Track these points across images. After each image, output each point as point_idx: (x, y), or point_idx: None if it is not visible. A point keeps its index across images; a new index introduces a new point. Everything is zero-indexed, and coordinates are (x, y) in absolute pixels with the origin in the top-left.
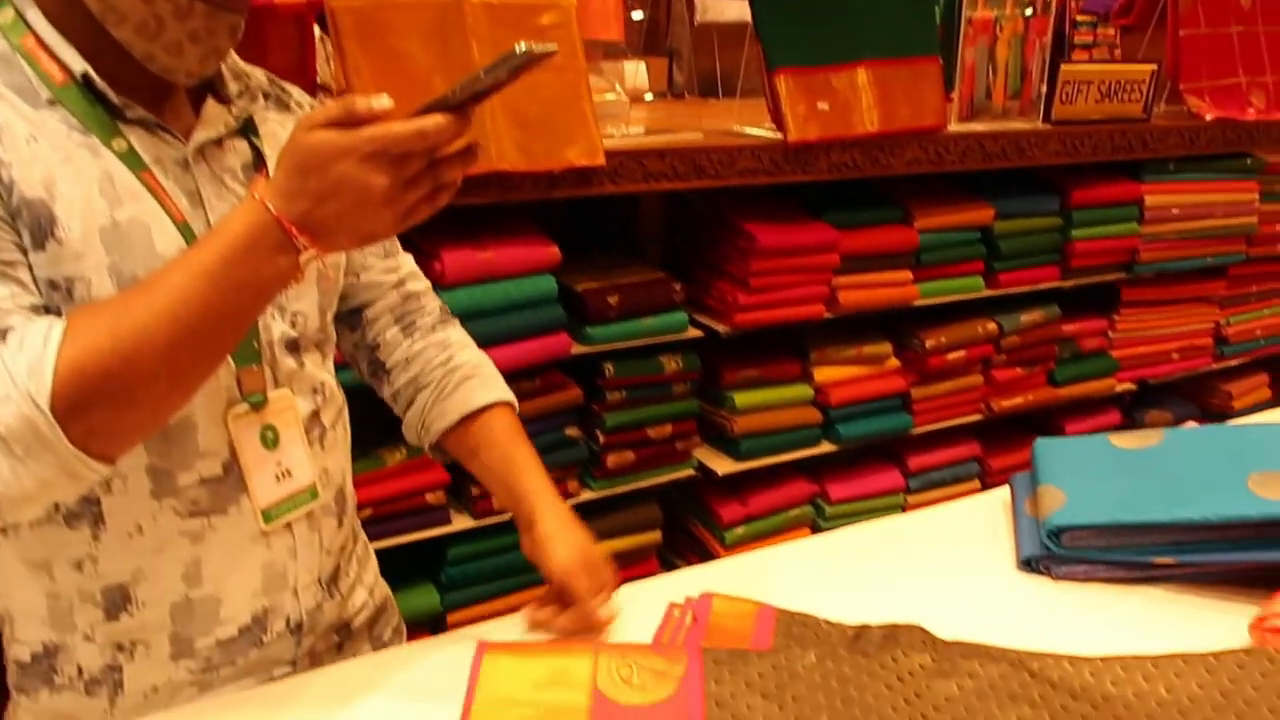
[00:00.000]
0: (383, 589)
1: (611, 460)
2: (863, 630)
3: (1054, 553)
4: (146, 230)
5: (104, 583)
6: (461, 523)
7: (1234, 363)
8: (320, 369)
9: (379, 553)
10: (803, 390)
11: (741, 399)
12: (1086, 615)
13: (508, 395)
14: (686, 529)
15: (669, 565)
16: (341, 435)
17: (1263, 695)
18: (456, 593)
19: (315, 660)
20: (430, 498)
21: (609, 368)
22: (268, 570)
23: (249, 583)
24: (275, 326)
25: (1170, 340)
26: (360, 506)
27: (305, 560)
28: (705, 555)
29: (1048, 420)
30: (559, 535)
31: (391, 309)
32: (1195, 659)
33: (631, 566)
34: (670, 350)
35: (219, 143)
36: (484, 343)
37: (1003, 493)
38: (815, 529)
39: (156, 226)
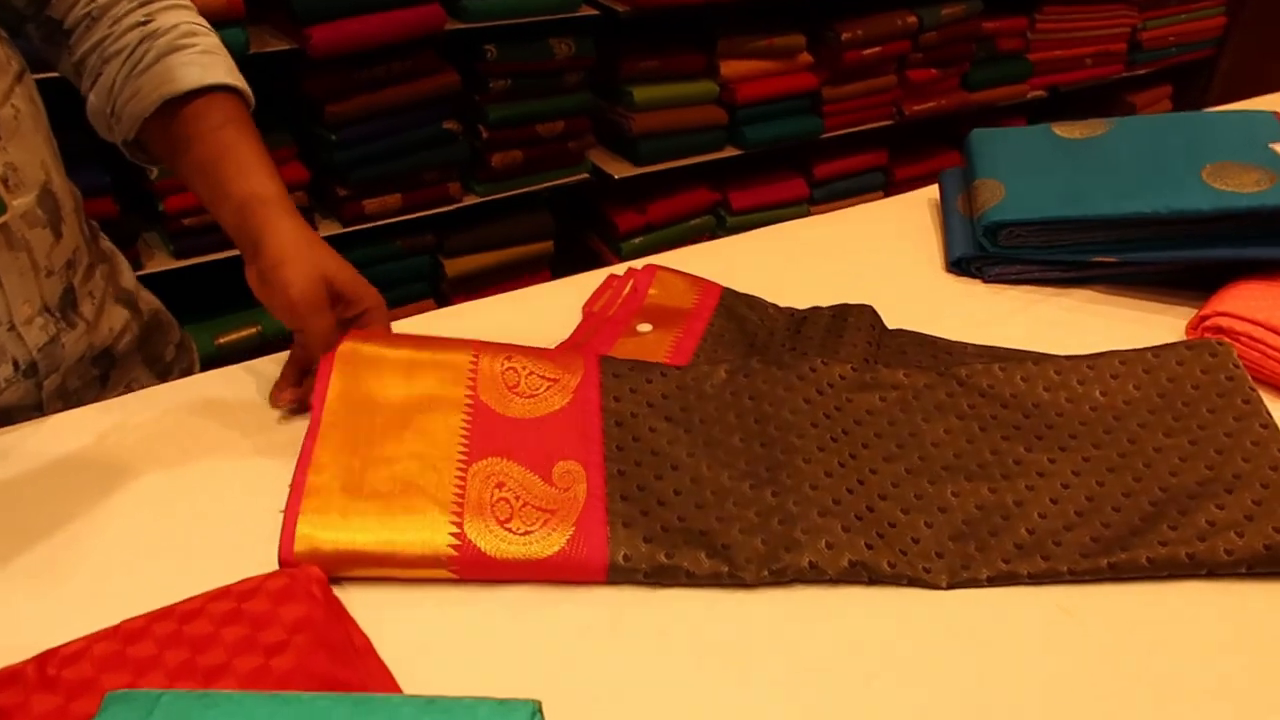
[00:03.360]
0: (150, 300)
1: (497, 159)
2: (811, 313)
3: (988, 252)
4: None
5: None
6: (329, 228)
7: (1143, 71)
8: None
9: (234, 264)
10: (707, 87)
11: (641, 94)
12: (1019, 317)
13: (234, 80)
14: (580, 239)
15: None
16: (30, 117)
17: (1203, 393)
18: None
19: (71, 401)
20: None
21: (491, 50)
22: None
23: None
24: None
25: (1086, 44)
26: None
27: (15, 289)
28: (602, 266)
29: (954, 130)
30: (295, 258)
31: None
32: (1133, 357)
33: (522, 279)
34: (561, 32)
35: None
36: (341, 11)
37: (927, 193)
38: (716, 239)
39: None
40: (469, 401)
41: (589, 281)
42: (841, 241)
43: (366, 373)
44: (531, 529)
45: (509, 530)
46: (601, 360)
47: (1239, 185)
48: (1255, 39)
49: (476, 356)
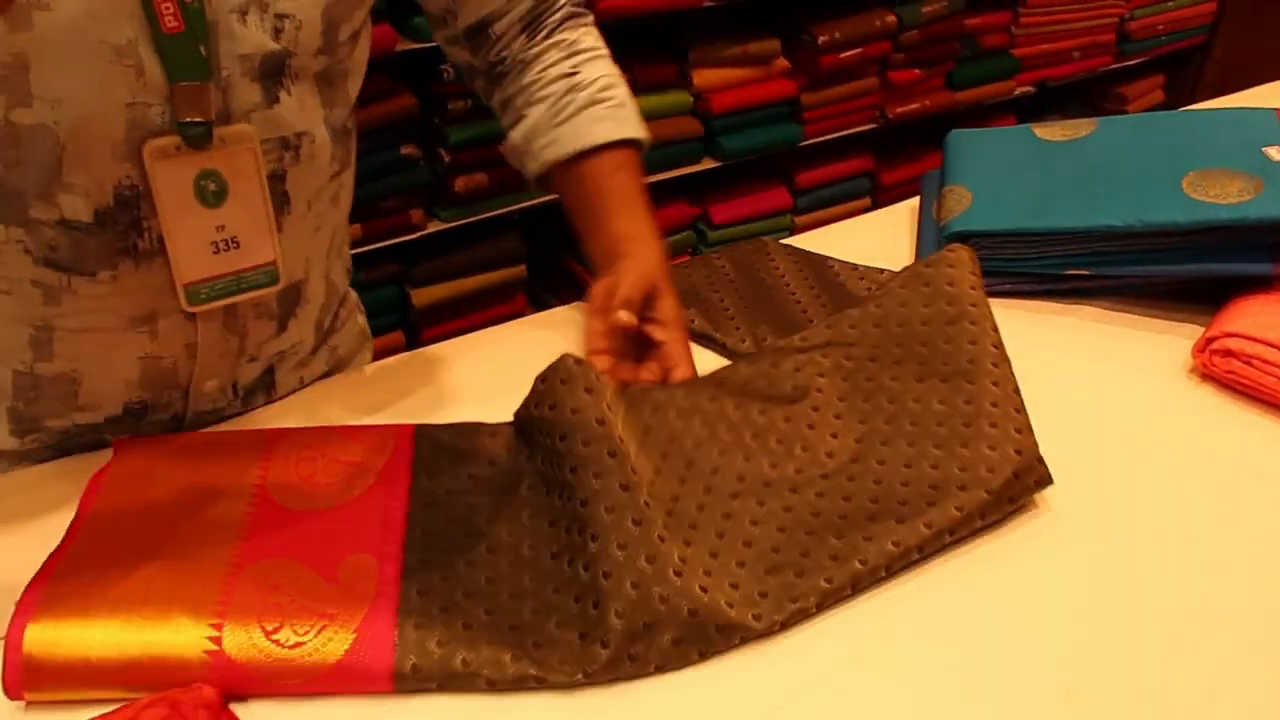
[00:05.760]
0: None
1: (461, 184)
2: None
3: None
4: None
5: None
6: None
7: (1133, 62)
8: (310, 115)
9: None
10: (681, 98)
11: None
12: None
13: (638, 132)
14: (557, 261)
15: (539, 302)
16: (317, 215)
17: (933, 326)
18: None
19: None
20: None
21: (448, 70)
22: (149, 364)
23: (121, 371)
24: (244, 33)
25: (1073, 37)
26: None
27: (209, 365)
28: (579, 290)
29: (942, 131)
30: (636, 261)
31: (522, 17)
32: (858, 310)
33: (497, 305)
34: None
35: None
36: None
37: (914, 202)
38: (697, 255)
39: None
40: (253, 497)
41: (563, 316)
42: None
43: (140, 482)
44: (304, 639)
45: (275, 643)
46: (416, 430)
47: (1220, 195)
48: (1248, 23)
49: (269, 449)
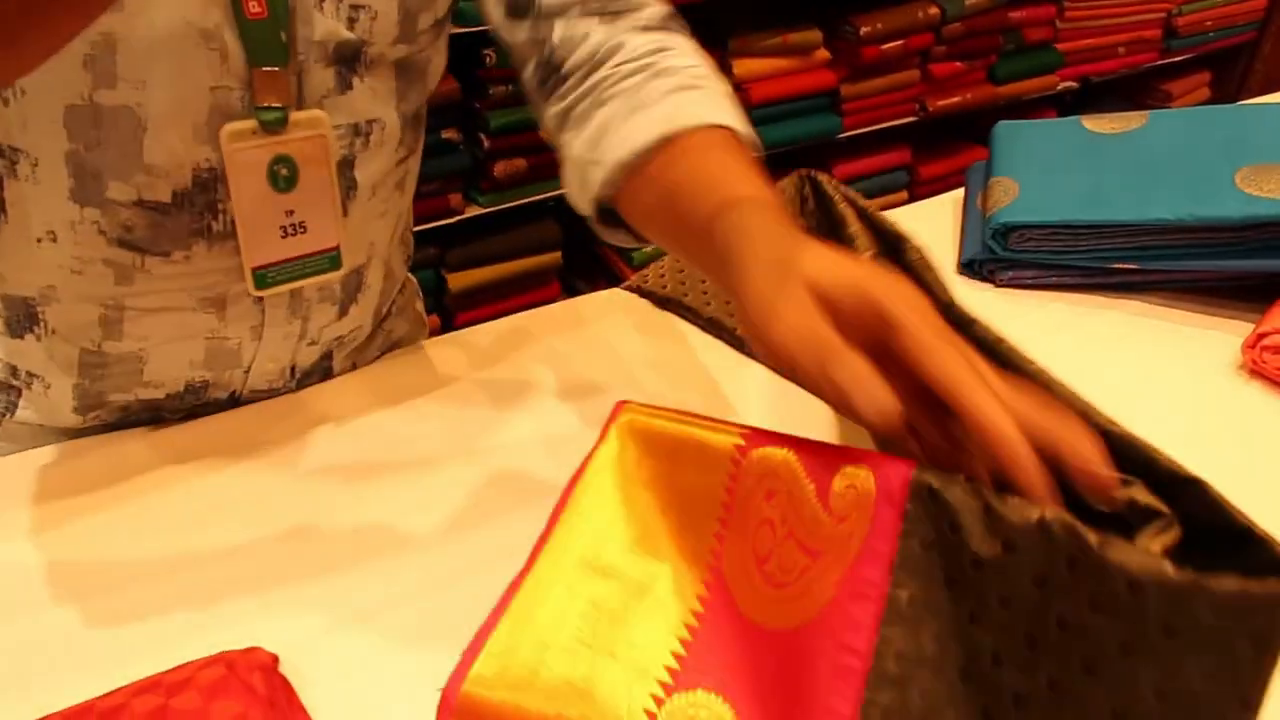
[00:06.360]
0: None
1: (500, 169)
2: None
3: (998, 255)
4: None
5: (4, 289)
6: None
7: (1179, 58)
8: (383, 102)
9: None
10: None
11: None
12: (1048, 336)
13: (743, 127)
14: (590, 248)
15: (571, 289)
16: (382, 200)
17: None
18: None
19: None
20: None
21: (490, 55)
22: (214, 344)
23: (186, 351)
24: (320, 20)
25: (1119, 32)
26: None
27: (271, 348)
28: (612, 277)
29: (982, 125)
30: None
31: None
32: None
33: (530, 291)
34: None
35: None
36: None
37: (956, 195)
38: None
39: None
40: (706, 585)
41: (600, 300)
42: None
43: (596, 519)
44: None
45: None
46: (912, 488)
47: (1275, 190)
48: None
49: (735, 479)
